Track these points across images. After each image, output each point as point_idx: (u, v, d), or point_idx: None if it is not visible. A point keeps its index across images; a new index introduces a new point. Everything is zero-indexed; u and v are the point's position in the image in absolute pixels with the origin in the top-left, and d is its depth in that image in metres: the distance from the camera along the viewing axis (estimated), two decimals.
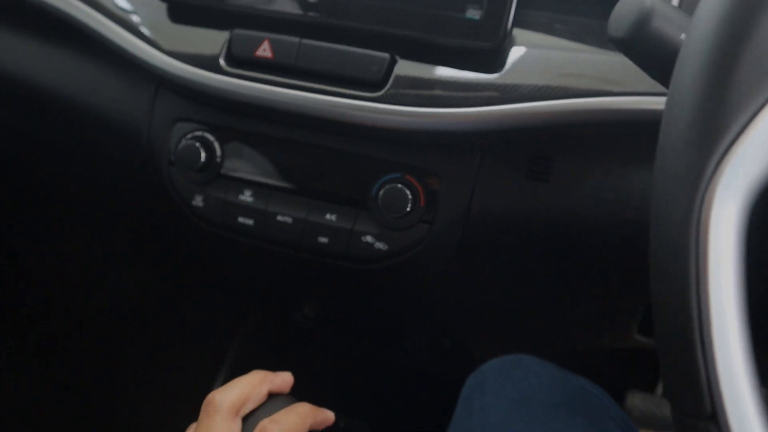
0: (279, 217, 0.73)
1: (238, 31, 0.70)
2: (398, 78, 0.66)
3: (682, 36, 0.44)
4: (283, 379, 0.59)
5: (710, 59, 0.34)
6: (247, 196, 0.74)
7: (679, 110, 0.35)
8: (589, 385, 0.68)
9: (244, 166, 0.75)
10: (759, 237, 0.38)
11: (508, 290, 0.82)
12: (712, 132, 0.33)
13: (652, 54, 0.46)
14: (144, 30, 0.74)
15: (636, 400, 1.18)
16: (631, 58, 0.50)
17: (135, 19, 0.75)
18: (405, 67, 0.66)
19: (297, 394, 0.60)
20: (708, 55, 0.34)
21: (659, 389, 1.21)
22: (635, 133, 0.65)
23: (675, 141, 0.35)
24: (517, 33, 0.67)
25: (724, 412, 0.31)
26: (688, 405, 0.32)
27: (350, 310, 1.06)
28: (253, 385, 0.56)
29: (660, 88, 0.57)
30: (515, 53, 0.66)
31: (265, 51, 0.69)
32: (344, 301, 1.03)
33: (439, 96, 0.65)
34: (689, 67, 0.35)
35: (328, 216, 0.72)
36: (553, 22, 0.69)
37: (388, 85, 0.66)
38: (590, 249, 0.71)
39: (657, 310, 0.34)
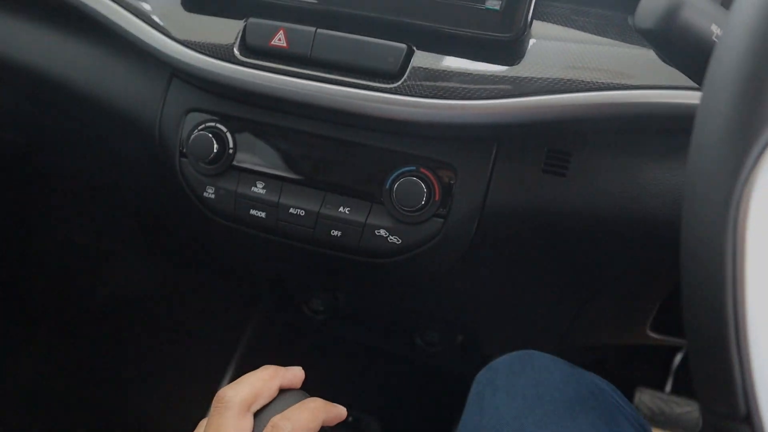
0: (291, 210, 0.72)
1: (252, 20, 0.69)
2: (415, 69, 0.65)
3: (713, 27, 0.43)
4: (294, 374, 0.58)
5: (751, 54, 0.33)
6: (259, 188, 0.73)
7: (717, 104, 0.34)
8: (601, 381, 0.67)
9: (257, 157, 0.74)
10: None
11: (522, 286, 0.81)
12: (752, 126, 0.32)
13: (682, 45, 0.45)
14: (157, 19, 0.73)
15: (645, 397, 1.18)
16: (659, 50, 0.49)
17: (147, 7, 0.74)
18: (422, 58, 0.65)
19: (306, 388, 0.59)
20: (748, 50, 0.33)
21: (668, 386, 1.20)
22: (654, 128, 0.65)
23: (712, 135, 0.33)
24: (536, 24, 0.66)
25: (759, 414, 0.30)
26: (721, 406, 0.31)
27: (361, 305, 1.06)
28: (263, 381, 0.55)
29: (682, 81, 0.56)
30: (534, 45, 0.65)
31: (280, 41, 0.68)
32: (355, 295, 1.02)
33: (456, 88, 0.64)
34: (728, 61, 0.34)
35: (341, 209, 0.71)
36: (573, 13, 0.68)
37: (404, 77, 0.65)
38: (606, 245, 0.70)
39: (689, 306, 0.33)
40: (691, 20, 0.44)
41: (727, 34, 0.35)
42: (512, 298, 0.84)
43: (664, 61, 0.49)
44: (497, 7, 0.63)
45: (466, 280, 0.79)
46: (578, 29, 0.67)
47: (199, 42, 0.71)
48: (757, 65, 0.33)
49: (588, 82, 0.62)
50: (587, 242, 0.69)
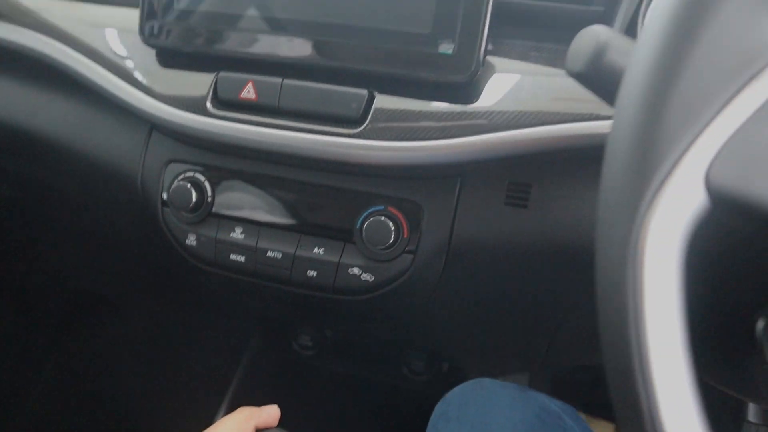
0: (269, 253, 0.75)
1: (223, 74, 0.73)
2: (377, 113, 0.68)
3: None
4: (270, 414, 0.60)
5: (644, 95, 0.35)
6: (237, 234, 0.76)
7: (618, 144, 0.36)
8: (551, 403, 0.69)
9: (235, 204, 0.77)
10: (703, 259, 0.39)
11: (495, 312, 0.83)
12: (647, 166, 0.34)
13: (608, 85, 0.47)
14: (135, 76, 0.77)
15: None
16: (591, 90, 0.51)
17: (127, 65, 0.78)
18: (384, 102, 0.68)
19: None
20: (642, 91, 0.36)
21: None
22: None
23: (614, 174, 0.36)
24: (495, 61, 0.68)
25: None
26: (633, 430, 0.33)
27: (347, 338, 1.08)
28: (238, 423, 0.57)
29: None
30: (491, 82, 0.67)
31: (249, 93, 0.71)
32: (340, 330, 1.04)
33: (417, 128, 0.67)
34: (626, 102, 0.37)
35: (315, 250, 0.74)
36: (529, 50, 0.71)
37: (367, 121, 0.67)
38: (569, 271, 0.72)
39: (602, 338, 0.36)
40: (615, 62, 0.47)
41: (626, 77, 0.38)
42: (487, 324, 0.86)
43: None
44: (450, 51, 0.66)
45: (442, 310, 0.81)
46: (534, 64, 0.69)
47: (174, 96, 0.74)
48: (649, 108, 0.35)
49: (545, 115, 0.65)
50: (552, 270, 0.71)
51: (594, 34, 0.47)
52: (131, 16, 0.77)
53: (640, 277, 0.33)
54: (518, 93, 0.67)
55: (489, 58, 0.68)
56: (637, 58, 0.37)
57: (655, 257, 0.33)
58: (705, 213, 0.34)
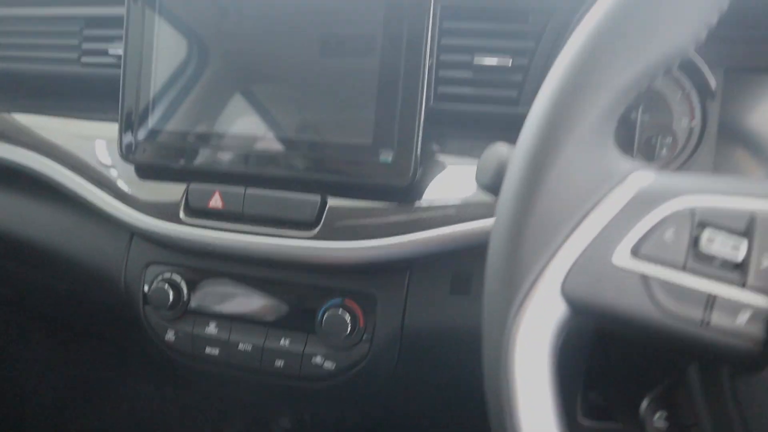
0: (240, 346, 0.82)
1: (193, 185, 0.80)
2: (330, 215, 0.75)
3: None
4: None
5: (507, 224, 0.43)
6: (212, 328, 0.83)
7: (491, 263, 0.43)
8: None
9: (209, 301, 0.84)
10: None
11: (454, 391, 0.89)
12: (512, 284, 0.41)
13: None
14: (116, 187, 0.85)
15: None
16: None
17: (110, 175, 0.86)
18: (335, 205, 0.76)
19: None
20: (505, 221, 0.43)
21: None
22: None
23: (488, 289, 0.43)
24: (440, 158, 0.76)
25: None
26: None
27: (325, 419, 1.13)
28: None
29: None
30: (436, 180, 0.75)
31: (216, 202, 0.79)
32: (315, 411, 1.10)
33: (367, 227, 0.74)
34: (495, 229, 0.44)
35: (282, 341, 0.80)
36: (468, 148, 0.78)
37: (321, 224, 0.75)
38: None
39: (491, 419, 0.42)
40: None
41: (497, 205, 0.45)
42: (450, 401, 0.92)
43: None
44: (390, 159, 0.74)
45: (404, 392, 0.87)
46: (473, 158, 0.77)
47: (151, 206, 0.82)
48: (511, 234, 0.42)
49: (482, 208, 0.72)
50: None
51: (497, 153, 0.54)
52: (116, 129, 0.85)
53: (512, 381, 0.40)
54: (459, 188, 0.74)
55: (435, 155, 0.76)
56: (503, 191, 0.45)
57: (524, 361, 0.40)
58: (567, 319, 0.41)
